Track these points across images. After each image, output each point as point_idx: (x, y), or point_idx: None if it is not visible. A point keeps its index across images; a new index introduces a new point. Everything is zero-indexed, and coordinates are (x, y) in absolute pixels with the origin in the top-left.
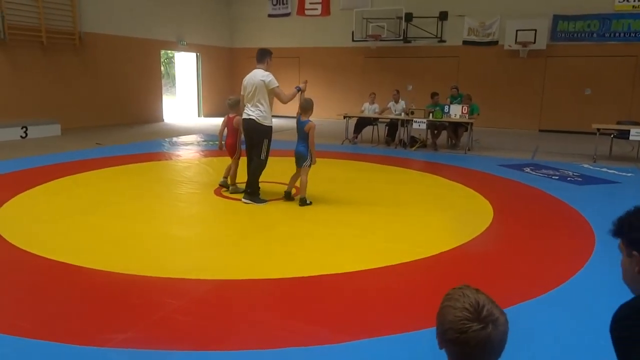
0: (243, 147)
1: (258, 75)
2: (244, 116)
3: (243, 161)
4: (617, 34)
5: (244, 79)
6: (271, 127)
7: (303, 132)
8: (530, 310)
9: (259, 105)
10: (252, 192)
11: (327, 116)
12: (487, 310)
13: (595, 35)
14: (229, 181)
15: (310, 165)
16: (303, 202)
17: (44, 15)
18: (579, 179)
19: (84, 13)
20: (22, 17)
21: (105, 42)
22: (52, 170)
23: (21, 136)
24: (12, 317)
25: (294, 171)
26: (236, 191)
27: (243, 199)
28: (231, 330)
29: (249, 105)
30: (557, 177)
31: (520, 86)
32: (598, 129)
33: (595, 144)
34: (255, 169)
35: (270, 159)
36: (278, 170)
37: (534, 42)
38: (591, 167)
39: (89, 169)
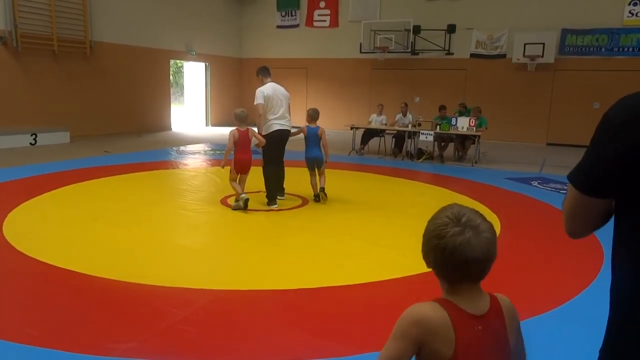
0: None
1: (282, 88)
2: (279, 127)
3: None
4: (626, 49)
5: (266, 91)
6: None
7: (317, 137)
8: (541, 325)
9: (288, 117)
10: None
11: (334, 127)
12: (467, 217)
13: (603, 49)
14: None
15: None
16: (323, 190)
17: (55, 24)
18: None
19: (95, 22)
20: (35, 26)
21: (116, 51)
22: (61, 177)
23: (30, 143)
24: (20, 324)
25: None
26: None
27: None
28: (236, 342)
29: (279, 117)
30: (565, 191)
31: (528, 99)
32: None
33: None
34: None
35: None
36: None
37: (542, 56)
38: None
39: (97, 177)
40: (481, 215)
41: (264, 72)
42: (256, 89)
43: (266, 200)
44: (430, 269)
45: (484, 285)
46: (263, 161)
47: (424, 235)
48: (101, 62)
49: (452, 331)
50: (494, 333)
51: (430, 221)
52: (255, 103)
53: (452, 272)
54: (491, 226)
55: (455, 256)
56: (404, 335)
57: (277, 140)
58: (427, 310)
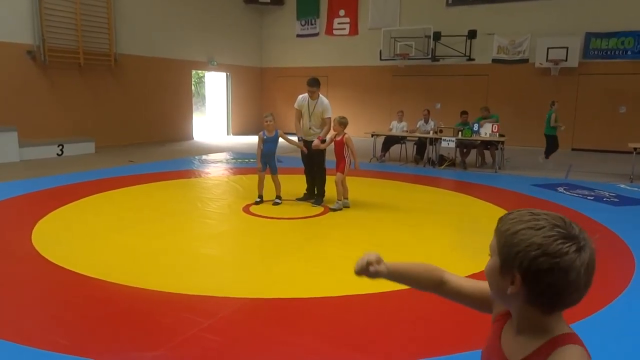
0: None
1: None
2: None
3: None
4: None
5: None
6: None
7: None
8: None
9: None
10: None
11: (355, 134)
12: (575, 226)
13: (629, 52)
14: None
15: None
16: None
17: (81, 38)
18: (616, 200)
19: (120, 35)
20: (61, 40)
21: (139, 63)
22: (87, 187)
23: (57, 154)
24: (49, 333)
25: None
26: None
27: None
28: (260, 351)
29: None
30: (592, 198)
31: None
32: (635, 148)
33: (632, 164)
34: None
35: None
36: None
37: (566, 60)
38: (628, 188)
39: (122, 186)
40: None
41: (320, 84)
42: (315, 100)
43: (312, 202)
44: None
45: None
46: (323, 165)
47: (520, 250)
48: (125, 73)
49: None
50: None
51: (522, 229)
52: (329, 116)
53: (577, 295)
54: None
55: (587, 274)
56: None
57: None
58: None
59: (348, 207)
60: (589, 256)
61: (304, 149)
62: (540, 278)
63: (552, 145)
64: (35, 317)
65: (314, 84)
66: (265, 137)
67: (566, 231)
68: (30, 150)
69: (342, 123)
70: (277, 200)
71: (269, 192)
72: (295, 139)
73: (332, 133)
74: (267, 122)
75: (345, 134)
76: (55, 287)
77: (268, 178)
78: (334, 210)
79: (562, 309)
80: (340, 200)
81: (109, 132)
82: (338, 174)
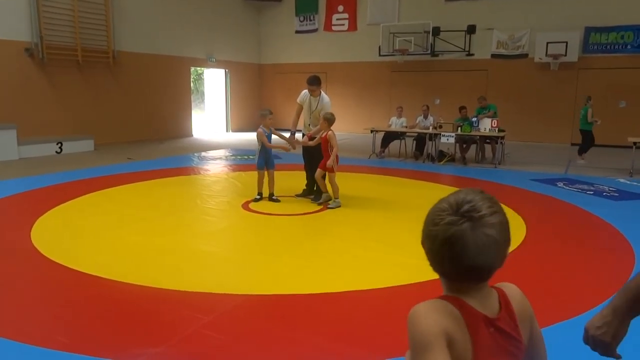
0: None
1: None
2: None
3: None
4: None
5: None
6: None
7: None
8: (567, 331)
9: None
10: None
11: (354, 130)
12: (470, 206)
13: (629, 46)
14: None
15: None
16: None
17: (79, 35)
18: (616, 194)
19: (118, 32)
20: (59, 37)
21: (138, 60)
22: (86, 184)
23: (56, 151)
24: (48, 331)
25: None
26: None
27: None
28: (261, 347)
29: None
30: (592, 192)
31: (552, 99)
32: (634, 143)
33: (631, 158)
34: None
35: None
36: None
37: (565, 55)
38: (628, 182)
39: (121, 184)
40: (494, 207)
41: (320, 82)
42: (311, 97)
43: (311, 198)
44: None
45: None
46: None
47: (424, 220)
48: (124, 70)
49: (468, 337)
50: (508, 335)
51: (433, 205)
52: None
53: (445, 267)
54: (501, 223)
55: (446, 249)
56: (435, 344)
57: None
58: (440, 305)
59: (328, 200)
60: (464, 231)
61: (287, 148)
62: (424, 244)
63: (588, 141)
64: (35, 315)
65: (313, 82)
66: (266, 132)
67: (455, 206)
68: (29, 148)
69: (328, 119)
70: (275, 198)
71: (266, 190)
72: (287, 134)
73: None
74: (269, 119)
75: (330, 130)
76: (54, 284)
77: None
78: (331, 207)
79: (456, 280)
80: (326, 192)
81: (108, 129)
82: (318, 170)
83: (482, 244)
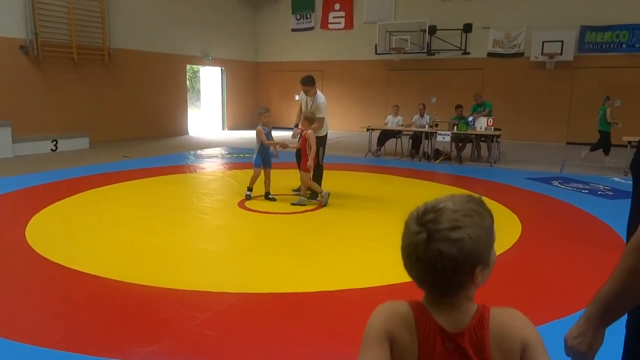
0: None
1: None
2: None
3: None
4: None
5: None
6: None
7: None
8: (562, 329)
9: None
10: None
11: (351, 129)
12: (434, 216)
13: (624, 46)
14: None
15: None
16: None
17: (75, 32)
18: (610, 193)
19: (113, 29)
20: (54, 34)
21: (133, 57)
22: (81, 182)
23: (51, 149)
24: (43, 329)
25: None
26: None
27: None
28: (256, 346)
29: None
30: (587, 191)
31: (547, 98)
32: (629, 142)
33: (626, 157)
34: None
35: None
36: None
37: (561, 54)
38: (622, 181)
39: (116, 182)
40: (460, 221)
41: (314, 82)
42: (307, 97)
43: (307, 197)
44: None
45: (507, 289)
46: (320, 160)
47: None
48: (119, 68)
49: (416, 344)
50: (465, 355)
51: None
52: (322, 116)
53: (412, 277)
54: (467, 239)
55: (405, 257)
56: (377, 337)
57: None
58: (394, 306)
59: (304, 204)
60: (418, 243)
61: (286, 145)
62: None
63: (602, 142)
64: (30, 313)
65: (306, 83)
66: (265, 130)
67: (421, 214)
68: (24, 146)
69: (308, 118)
70: (271, 197)
71: (258, 188)
72: (282, 134)
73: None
74: (266, 117)
75: (310, 129)
76: (49, 283)
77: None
78: (295, 204)
79: (421, 288)
80: (305, 195)
81: (104, 127)
82: (303, 172)
83: (434, 259)
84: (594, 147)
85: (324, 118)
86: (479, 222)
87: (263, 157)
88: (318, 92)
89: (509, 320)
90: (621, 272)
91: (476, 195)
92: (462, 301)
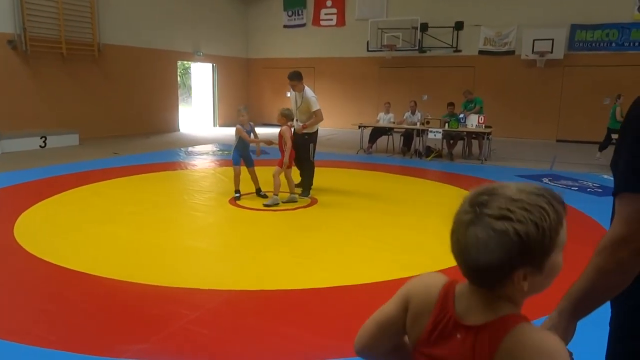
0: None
1: None
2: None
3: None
4: (637, 43)
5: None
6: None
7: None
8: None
9: None
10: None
11: (342, 126)
12: (486, 199)
13: (614, 44)
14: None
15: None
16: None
17: (64, 27)
18: (599, 190)
19: (103, 25)
20: (43, 29)
21: (124, 53)
22: (70, 179)
23: (40, 146)
24: (32, 327)
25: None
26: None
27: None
28: (247, 343)
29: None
30: (576, 188)
31: (538, 96)
32: (615, 140)
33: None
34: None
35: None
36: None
37: (551, 52)
38: (611, 178)
39: (106, 179)
40: (512, 214)
41: (302, 78)
42: (297, 93)
43: (299, 194)
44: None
45: None
46: (311, 156)
47: None
48: (109, 64)
49: (429, 315)
50: (469, 352)
51: None
52: (317, 109)
53: (453, 254)
54: (505, 233)
55: (452, 238)
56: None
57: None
58: (431, 278)
59: (295, 201)
60: (463, 224)
61: (271, 141)
62: None
63: (608, 139)
64: (19, 311)
65: (293, 78)
66: (246, 129)
67: (475, 195)
68: (11, 142)
69: (285, 115)
70: (262, 193)
71: (248, 186)
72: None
73: (309, 123)
74: (242, 115)
75: (285, 125)
76: (38, 280)
77: (244, 170)
78: (286, 202)
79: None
80: (275, 195)
81: (93, 123)
82: (276, 167)
83: (469, 244)
84: (602, 145)
85: (320, 110)
86: (538, 220)
87: (242, 155)
88: (306, 87)
89: (521, 346)
90: (591, 270)
91: (555, 191)
92: (494, 299)
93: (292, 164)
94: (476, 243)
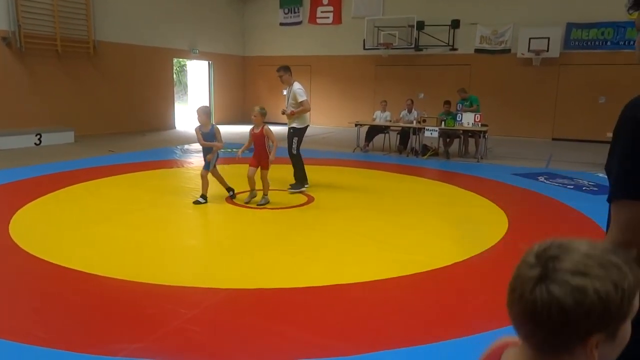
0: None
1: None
2: (309, 122)
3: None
4: (632, 42)
5: (303, 88)
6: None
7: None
8: None
9: None
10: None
11: (339, 124)
12: (556, 252)
13: (609, 43)
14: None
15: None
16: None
17: (59, 24)
18: (595, 189)
19: (98, 22)
20: (38, 26)
21: (119, 50)
22: (66, 177)
23: (35, 143)
24: (28, 325)
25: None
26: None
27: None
28: (244, 341)
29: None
30: (572, 187)
31: (533, 94)
32: (611, 141)
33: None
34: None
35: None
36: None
37: (547, 50)
38: (607, 177)
39: (102, 176)
40: (591, 270)
41: (289, 71)
42: (286, 86)
43: (288, 188)
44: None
45: (495, 284)
46: (297, 150)
47: None
48: (105, 61)
49: None
50: None
51: None
52: (302, 99)
53: (509, 316)
54: (584, 290)
55: (509, 292)
56: None
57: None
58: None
59: (254, 196)
60: (531, 278)
61: (220, 146)
62: None
63: None
64: (14, 309)
65: (279, 70)
66: (202, 131)
67: (542, 248)
68: (6, 140)
69: (263, 114)
70: (232, 194)
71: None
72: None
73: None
74: (199, 115)
75: (264, 125)
76: (34, 279)
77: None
78: (262, 205)
79: (526, 344)
80: (266, 195)
81: (89, 121)
82: (263, 170)
83: (540, 303)
84: None
85: (307, 100)
86: (616, 280)
87: (204, 157)
88: (295, 82)
89: None
90: None
91: (630, 251)
92: None
93: (257, 164)
94: (549, 301)
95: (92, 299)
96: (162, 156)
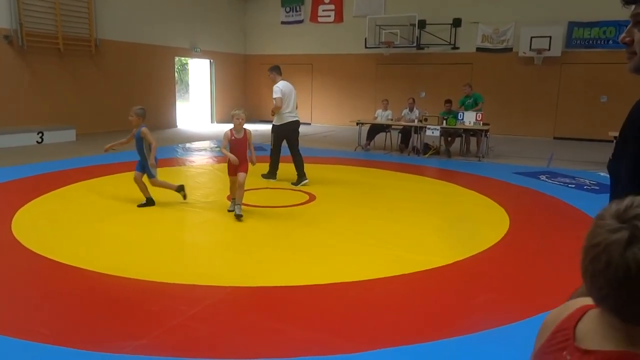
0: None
1: (291, 85)
2: (292, 119)
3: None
4: None
5: (282, 87)
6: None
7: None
8: None
9: (296, 110)
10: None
11: (340, 123)
12: (637, 209)
13: (611, 42)
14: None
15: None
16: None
17: (60, 22)
18: (596, 188)
19: (100, 20)
20: (40, 24)
21: (121, 48)
22: (67, 175)
23: (37, 141)
24: (31, 323)
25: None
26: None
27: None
28: (246, 339)
29: (290, 110)
30: (573, 186)
31: (535, 93)
32: (615, 137)
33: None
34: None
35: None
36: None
37: (549, 49)
38: (608, 176)
39: (103, 175)
40: None
41: (276, 71)
42: (273, 86)
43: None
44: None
45: (496, 283)
46: (274, 146)
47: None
48: (106, 60)
49: (554, 324)
50: None
51: None
52: (274, 97)
53: (590, 287)
54: None
55: (586, 262)
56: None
57: (291, 130)
58: (577, 300)
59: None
60: (623, 241)
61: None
62: (582, 264)
63: None
64: (17, 306)
65: (269, 69)
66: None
67: (622, 208)
68: (8, 138)
69: (243, 115)
70: (183, 193)
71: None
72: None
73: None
74: (131, 116)
75: (245, 130)
76: (36, 276)
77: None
78: (231, 211)
79: (598, 305)
80: (239, 204)
81: (91, 119)
82: (241, 173)
83: (634, 267)
84: None
85: (278, 98)
86: None
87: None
88: (280, 80)
89: None
90: None
91: None
92: (631, 333)
93: (237, 171)
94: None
95: (94, 297)
96: (164, 155)
